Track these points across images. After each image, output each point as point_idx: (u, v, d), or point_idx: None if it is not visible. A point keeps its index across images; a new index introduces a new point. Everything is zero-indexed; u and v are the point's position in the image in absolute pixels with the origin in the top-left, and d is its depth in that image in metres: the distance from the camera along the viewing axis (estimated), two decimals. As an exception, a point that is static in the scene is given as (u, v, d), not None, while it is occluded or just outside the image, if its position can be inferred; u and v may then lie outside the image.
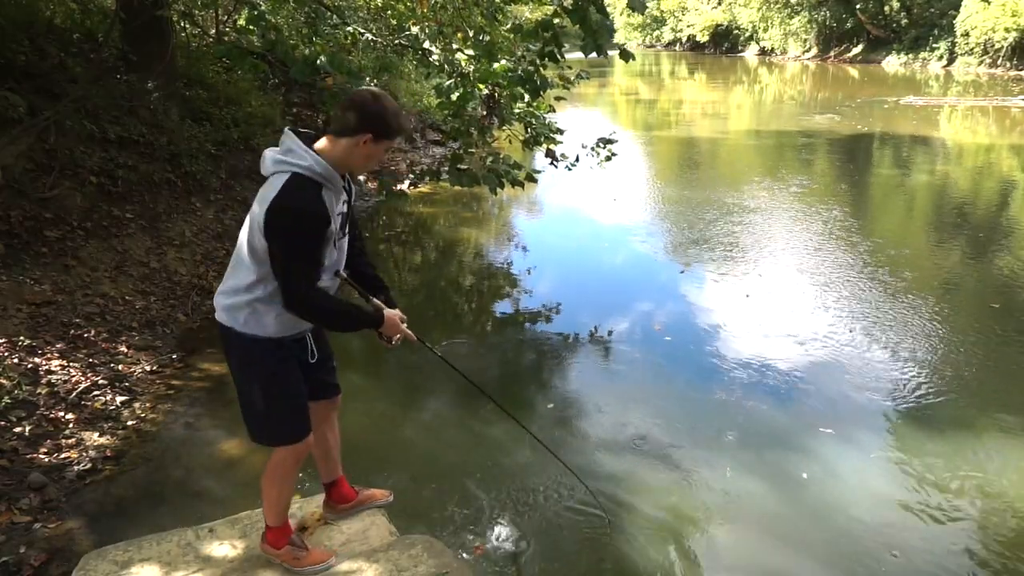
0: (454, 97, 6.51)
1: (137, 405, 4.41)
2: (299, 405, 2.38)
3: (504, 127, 7.55)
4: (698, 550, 3.30)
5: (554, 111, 8.10)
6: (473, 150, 7.04)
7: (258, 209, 2.13)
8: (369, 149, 2.16)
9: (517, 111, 7.44)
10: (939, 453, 4.00)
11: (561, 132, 8.04)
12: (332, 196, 2.17)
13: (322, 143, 2.17)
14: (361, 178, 10.41)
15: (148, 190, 6.65)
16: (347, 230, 2.34)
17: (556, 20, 5.63)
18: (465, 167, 6.66)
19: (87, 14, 8.06)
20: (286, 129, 2.18)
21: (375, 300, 2.44)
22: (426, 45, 7.08)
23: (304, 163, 2.10)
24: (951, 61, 31.82)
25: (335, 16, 6.90)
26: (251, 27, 6.17)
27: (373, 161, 2.23)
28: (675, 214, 9.65)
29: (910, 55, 34.41)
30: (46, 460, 3.73)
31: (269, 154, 2.17)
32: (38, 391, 4.18)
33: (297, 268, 2.11)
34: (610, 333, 5.76)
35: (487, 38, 7.05)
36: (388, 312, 2.39)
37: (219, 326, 2.29)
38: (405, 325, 2.44)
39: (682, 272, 6.81)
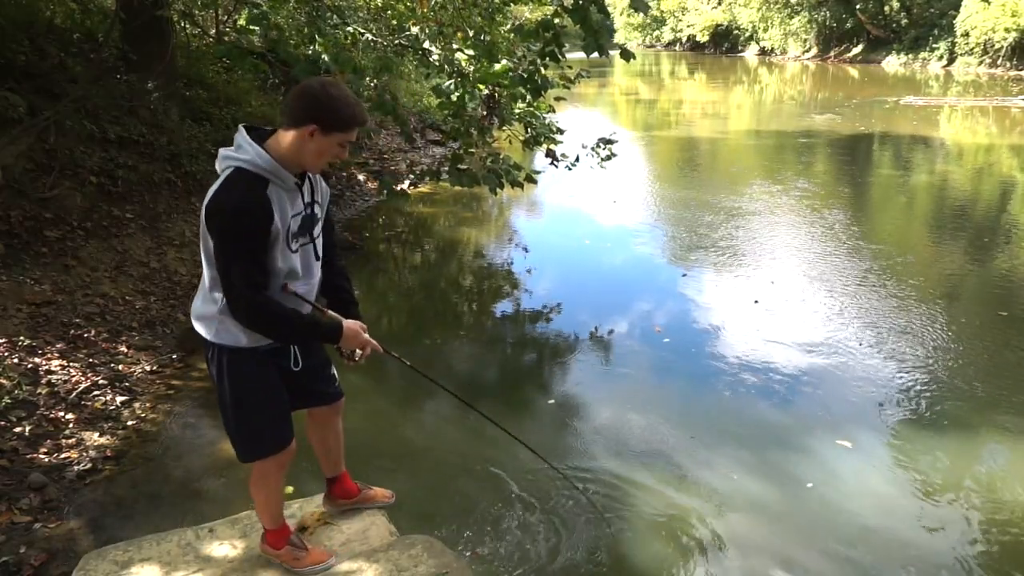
0: (454, 97, 6.51)
1: (137, 405, 4.40)
2: (276, 415, 2.29)
3: (504, 127, 7.55)
4: (698, 552, 3.29)
5: (554, 111, 8.10)
6: (473, 150, 7.04)
7: (204, 205, 2.03)
8: (319, 143, 1.98)
9: (517, 111, 7.44)
10: (942, 456, 4.00)
11: (561, 132, 8.04)
12: (281, 193, 2.02)
13: (273, 138, 2.04)
14: (361, 178, 10.41)
15: (148, 190, 6.65)
16: (314, 236, 2.17)
17: (556, 20, 5.63)
18: (465, 167, 6.66)
19: (87, 14, 8.05)
20: (240, 126, 2.06)
21: (330, 313, 2.27)
22: (426, 45, 7.08)
23: (246, 156, 1.97)
24: (951, 61, 31.82)
25: (335, 16, 6.89)
26: (251, 27, 6.17)
27: (325, 156, 2.03)
28: (675, 216, 9.65)
29: (910, 55, 34.41)
30: (46, 460, 3.73)
31: (220, 152, 2.05)
32: (38, 391, 4.18)
33: (236, 270, 1.96)
34: (610, 333, 5.76)
35: (487, 38, 7.05)
36: (347, 323, 2.20)
37: (198, 336, 2.23)
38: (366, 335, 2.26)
39: (684, 276, 6.78)
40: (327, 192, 2.28)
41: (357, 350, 2.27)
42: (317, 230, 2.21)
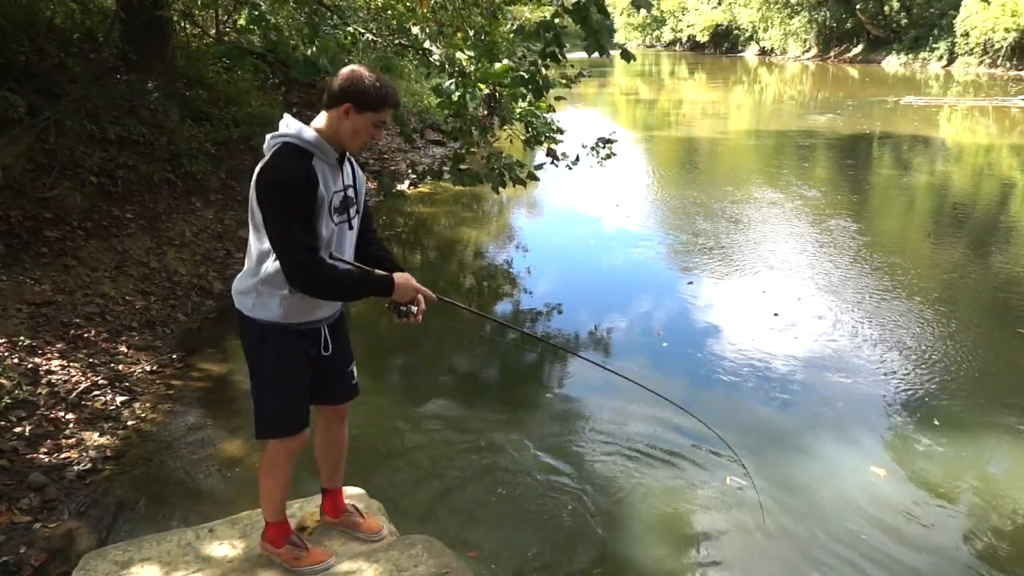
0: (455, 97, 6.51)
1: (137, 405, 4.40)
2: (296, 398, 2.35)
3: (505, 127, 7.55)
4: (697, 552, 3.29)
5: (554, 111, 8.11)
6: (474, 150, 7.04)
7: (253, 181, 2.16)
8: (354, 121, 2.14)
9: (518, 111, 7.45)
10: (942, 455, 4.00)
11: (561, 132, 8.04)
12: (325, 168, 2.16)
13: (315, 119, 2.21)
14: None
15: (148, 190, 6.65)
16: (351, 216, 2.28)
17: (557, 20, 5.64)
18: (466, 166, 6.66)
19: (87, 14, 8.06)
20: (284, 114, 2.23)
21: (378, 271, 2.28)
22: (426, 45, 7.08)
23: (291, 132, 2.13)
24: (951, 61, 31.84)
25: (335, 16, 6.89)
26: (251, 27, 6.17)
27: (361, 135, 2.18)
28: (676, 217, 9.65)
29: (910, 55, 34.43)
30: (46, 460, 3.73)
31: (267, 136, 2.21)
32: (38, 391, 4.18)
33: (291, 234, 2.07)
34: (609, 330, 5.76)
35: (487, 38, 7.05)
36: (397, 274, 2.28)
37: (236, 312, 2.32)
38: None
39: (690, 283, 6.63)
40: (363, 181, 2.38)
41: (413, 306, 2.31)
42: (354, 213, 2.30)
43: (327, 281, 2.15)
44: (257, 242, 2.21)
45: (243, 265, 2.31)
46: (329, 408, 2.57)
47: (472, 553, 3.22)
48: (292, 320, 2.26)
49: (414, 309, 2.31)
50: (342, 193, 2.23)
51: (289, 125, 2.16)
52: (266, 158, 2.15)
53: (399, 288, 2.25)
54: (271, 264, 2.18)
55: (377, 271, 2.28)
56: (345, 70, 2.18)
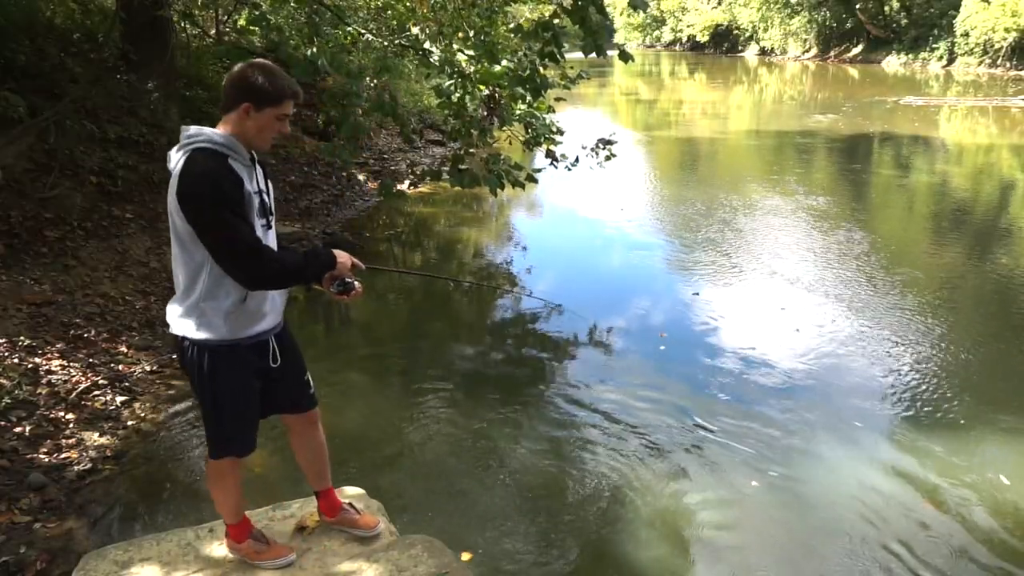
0: (454, 98, 6.51)
1: (137, 405, 4.41)
2: (249, 420, 2.34)
3: (504, 128, 7.55)
4: (698, 551, 3.29)
5: (554, 111, 8.10)
6: (473, 151, 7.04)
7: (171, 198, 2.07)
8: (256, 119, 2.10)
9: (518, 112, 7.44)
10: (941, 455, 4.00)
11: (561, 132, 8.03)
12: (241, 167, 2.11)
13: (218, 125, 2.15)
14: (361, 178, 10.42)
15: (148, 190, 6.65)
16: (269, 221, 2.23)
17: (556, 20, 5.64)
18: (465, 167, 6.66)
19: (87, 14, 8.06)
20: (183, 124, 2.18)
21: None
22: (426, 45, 7.08)
23: (201, 137, 2.08)
24: (951, 61, 31.85)
25: (336, 16, 6.89)
26: (251, 27, 6.18)
27: (267, 131, 2.14)
28: (678, 219, 9.65)
29: (910, 55, 34.44)
30: (46, 460, 3.73)
31: (170, 152, 2.14)
32: (38, 391, 4.18)
33: (232, 230, 2.02)
34: (609, 331, 5.76)
35: (487, 39, 7.05)
36: (334, 251, 2.27)
37: (175, 340, 2.26)
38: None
39: (696, 295, 6.45)
40: (267, 176, 2.32)
41: (355, 280, 2.29)
42: (271, 218, 2.26)
43: (280, 267, 2.12)
44: (186, 259, 2.13)
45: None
46: (294, 418, 2.53)
47: (465, 554, 3.23)
48: (239, 335, 2.20)
49: (356, 284, 2.29)
50: (258, 196, 2.18)
51: (193, 132, 2.10)
52: (179, 167, 2.06)
53: (340, 260, 2.24)
54: (206, 277, 2.11)
55: (318, 252, 2.27)
56: (236, 70, 2.13)
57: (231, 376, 2.23)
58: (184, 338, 2.21)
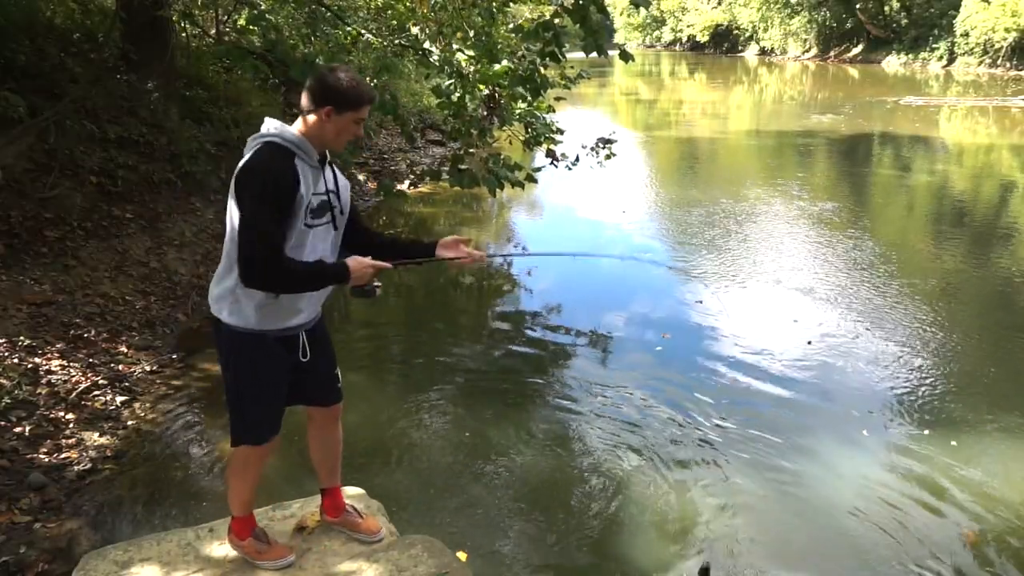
0: (454, 98, 6.51)
1: (137, 405, 4.40)
2: (272, 407, 2.36)
3: (504, 127, 7.55)
4: (697, 552, 3.29)
5: (554, 111, 8.10)
6: (473, 151, 7.04)
7: (232, 182, 2.16)
8: (336, 122, 2.16)
9: (518, 112, 7.44)
10: (944, 456, 3.99)
11: (561, 132, 8.03)
12: (306, 167, 2.16)
13: (295, 123, 2.22)
14: (361, 178, 10.41)
15: (148, 190, 6.65)
16: (334, 219, 2.26)
17: (556, 20, 5.64)
18: (465, 167, 6.66)
19: (87, 14, 8.05)
20: (267, 118, 2.24)
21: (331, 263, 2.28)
22: (426, 45, 7.08)
23: (274, 132, 2.15)
24: (951, 61, 31.85)
25: (335, 16, 6.89)
26: (251, 27, 6.18)
27: (344, 135, 2.21)
28: (679, 220, 9.64)
29: (910, 55, 34.44)
30: (46, 460, 3.73)
31: (248, 139, 2.23)
32: (38, 391, 4.18)
33: (258, 230, 2.05)
34: (610, 332, 5.76)
35: (487, 39, 7.05)
36: (351, 261, 2.23)
37: (211, 318, 2.31)
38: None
39: (700, 302, 6.31)
40: (347, 186, 2.37)
41: (375, 285, 2.29)
42: (338, 215, 2.29)
43: (285, 274, 2.12)
44: (234, 245, 2.15)
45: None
46: (318, 410, 2.56)
47: (461, 553, 3.22)
48: (268, 327, 2.23)
49: (376, 289, 2.29)
50: (323, 197, 2.22)
51: (270, 125, 2.18)
52: (247, 156, 2.17)
53: (355, 272, 2.21)
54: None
55: (335, 265, 2.25)
56: (321, 73, 2.20)
57: (255, 365, 2.27)
58: (217, 319, 2.27)
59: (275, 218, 2.09)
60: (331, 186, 2.27)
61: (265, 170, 2.10)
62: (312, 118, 2.17)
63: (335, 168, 2.34)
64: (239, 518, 2.53)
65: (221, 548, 2.62)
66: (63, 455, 3.80)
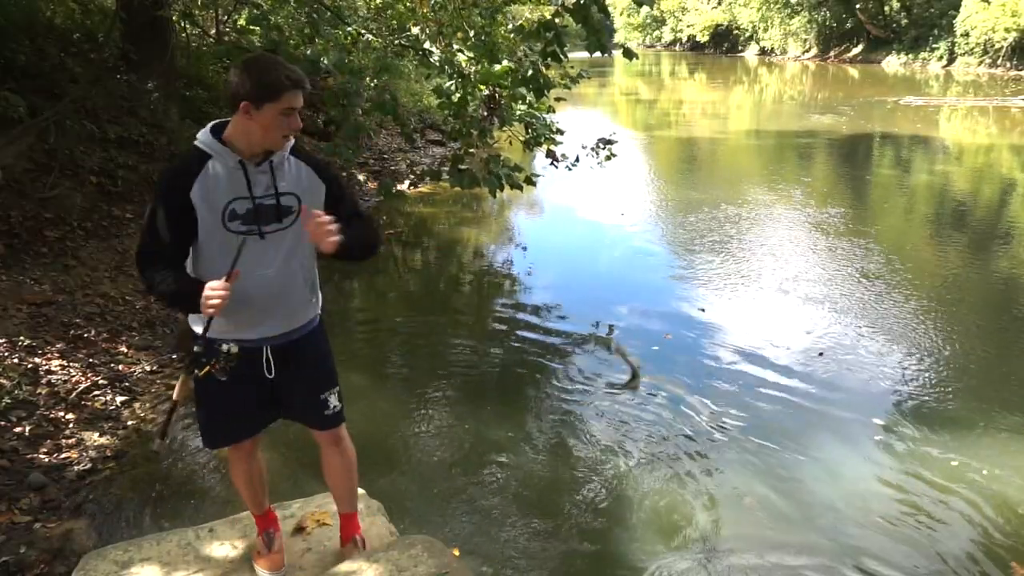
0: (455, 98, 6.51)
1: (137, 405, 4.40)
2: (217, 417, 2.32)
3: (505, 128, 7.55)
4: (697, 553, 3.28)
5: (554, 111, 8.10)
6: (473, 151, 7.03)
7: None
8: (258, 119, 1.98)
9: (518, 112, 7.44)
10: (946, 458, 3.98)
11: (561, 132, 8.03)
12: (220, 168, 2.03)
13: (227, 125, 2.10)
14: (361, 178, 10.41)
15: (148, 190, 6.64)
16: (281, 223, 2.09)
17: (557, 20, 5.64)
18: (465, 167, 6.66)
19: (87, 14, 8.06)
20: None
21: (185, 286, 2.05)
22: (426, 45, 7.08)
23: (199, 133, 2.11)
24: (951, 61, 31.83)
25: (335, 16, 6.89)
26: (252, 27, 6.18)
27: (274, 130, 2.00)
28: (679, 221, 9.64)
29: (910, 55, 34.43)
30: (46, 460, 3.73)
31: None
32: (38, 391, 4.17)
33: (143, 236, 2.08)
34: (611, 332, 5.76)
35: (487, 39, 7.05)
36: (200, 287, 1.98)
37: None
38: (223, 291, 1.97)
39: (702, 310, 6.17)
40: (308, 178, 2.15)
41: (221, 346, 2.08)
42: (284, 220, 2.11)
43: (145, 282, 2.10)
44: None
45: None
46: (313, 431, 2.45)
47: (456, 551, 3.22)
48: (219, 336, 2.07)
49: (211, 303, 1.93)
50: (250, 201, 2.05)
51: (205, 127, 2.12)
52: None
53: (201, 299, 1.94)
54: (191, 271, 2.11)
55: (184, 285, 2.03)
56: (234, 68, 2.05)
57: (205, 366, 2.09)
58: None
59: (154, 224, 2.04)
60: (265, 190, 2.07)
61: (164, 174, 2.16)
62: (235, 117, 2.03)
63: (304, 167, 2.14)
64: (255, 515, 2.59)
65: (221, 548, 2.62)
66: (63, 455, 3.80)
